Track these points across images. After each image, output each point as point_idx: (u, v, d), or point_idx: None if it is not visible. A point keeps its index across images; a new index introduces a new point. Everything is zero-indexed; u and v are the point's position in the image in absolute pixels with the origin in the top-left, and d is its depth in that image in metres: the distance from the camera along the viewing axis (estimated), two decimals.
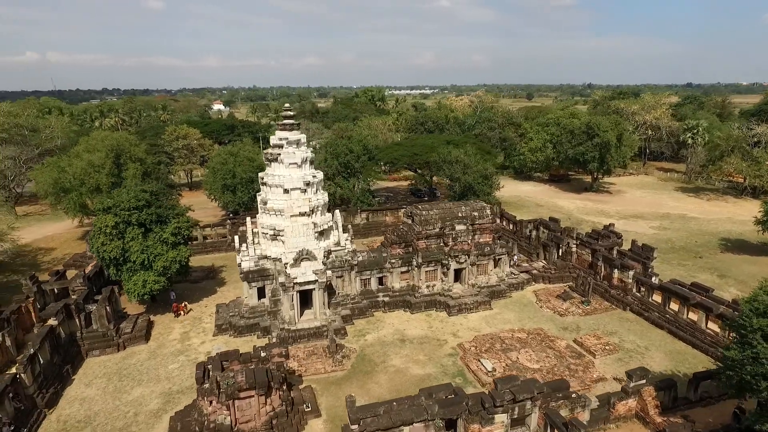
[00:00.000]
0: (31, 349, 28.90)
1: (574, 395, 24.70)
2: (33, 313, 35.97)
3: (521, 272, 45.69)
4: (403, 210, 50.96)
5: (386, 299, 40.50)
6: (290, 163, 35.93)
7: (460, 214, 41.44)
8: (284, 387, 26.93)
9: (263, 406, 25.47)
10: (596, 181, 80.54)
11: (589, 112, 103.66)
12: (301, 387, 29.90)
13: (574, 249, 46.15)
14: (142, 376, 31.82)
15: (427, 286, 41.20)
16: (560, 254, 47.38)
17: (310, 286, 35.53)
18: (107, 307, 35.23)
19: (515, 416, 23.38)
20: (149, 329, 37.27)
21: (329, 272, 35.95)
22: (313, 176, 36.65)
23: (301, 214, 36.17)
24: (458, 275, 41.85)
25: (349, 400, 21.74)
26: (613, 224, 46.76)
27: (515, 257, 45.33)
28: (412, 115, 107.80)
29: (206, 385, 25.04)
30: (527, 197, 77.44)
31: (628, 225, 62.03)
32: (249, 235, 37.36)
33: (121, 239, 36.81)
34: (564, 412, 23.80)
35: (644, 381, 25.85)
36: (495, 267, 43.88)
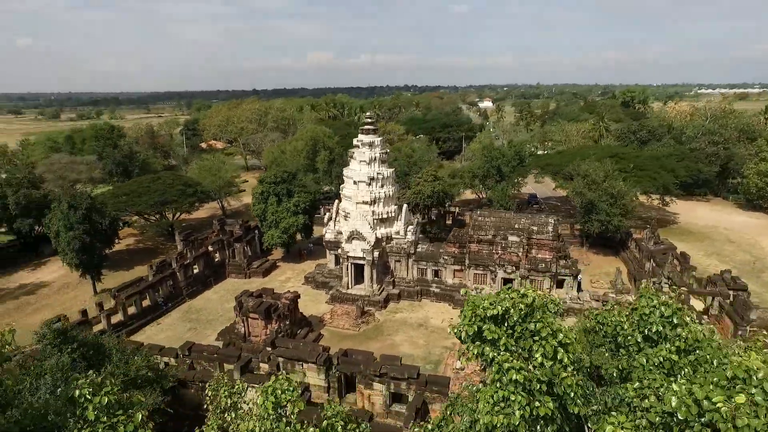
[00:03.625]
0: (186, 261, 46.92)
1: (451, 394, 26.53)
2: None
3: (594, 299, 42.31)
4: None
5: (437, 290, 44.99)
6: (361, 161, 44.41)
7: (516, 226, 41.96)
8: (287, 321, 36.77)
9: (263, 329, 36.06)
10: None
11: None
12: (314, 330, 39.17)
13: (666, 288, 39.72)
14: None
15: (475, 288, 43.59)
16: None
17: (361, 261, 43.73)
18: (245, 247, 51.73)
19: (393, 390, 27.39)
20: (271, 269, 52.38)
21: (376, 252, 43.23)
22: (378, 173, 44.12)
23: (364, 203, 44.36)
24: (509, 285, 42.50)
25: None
26: (730, 271, 37.80)
27: (579, 280, 42.00)
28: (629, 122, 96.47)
29: (235, 305, 37.24)
30: (725, 230, 63.06)
31: None
32: (333, 214, 47.81)
33: (265, 203, 52.61)
34: (438, 407, 26.30)
35: None
36: (558, 287, 42.35)
